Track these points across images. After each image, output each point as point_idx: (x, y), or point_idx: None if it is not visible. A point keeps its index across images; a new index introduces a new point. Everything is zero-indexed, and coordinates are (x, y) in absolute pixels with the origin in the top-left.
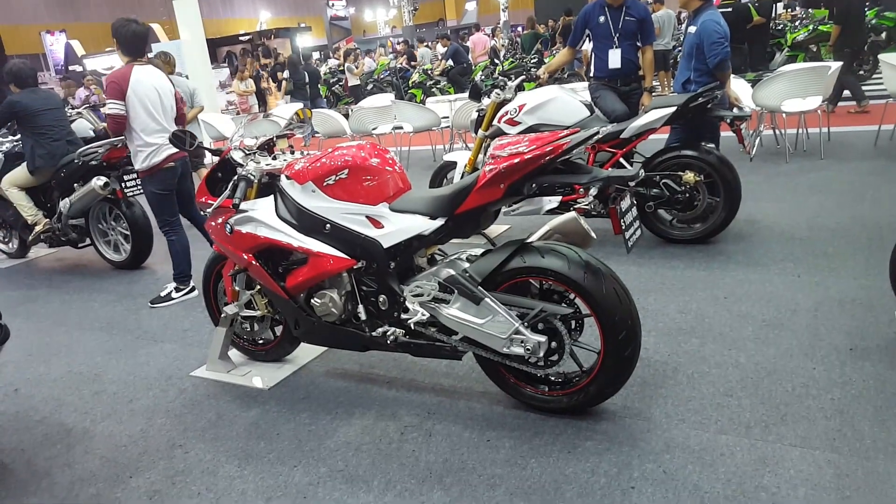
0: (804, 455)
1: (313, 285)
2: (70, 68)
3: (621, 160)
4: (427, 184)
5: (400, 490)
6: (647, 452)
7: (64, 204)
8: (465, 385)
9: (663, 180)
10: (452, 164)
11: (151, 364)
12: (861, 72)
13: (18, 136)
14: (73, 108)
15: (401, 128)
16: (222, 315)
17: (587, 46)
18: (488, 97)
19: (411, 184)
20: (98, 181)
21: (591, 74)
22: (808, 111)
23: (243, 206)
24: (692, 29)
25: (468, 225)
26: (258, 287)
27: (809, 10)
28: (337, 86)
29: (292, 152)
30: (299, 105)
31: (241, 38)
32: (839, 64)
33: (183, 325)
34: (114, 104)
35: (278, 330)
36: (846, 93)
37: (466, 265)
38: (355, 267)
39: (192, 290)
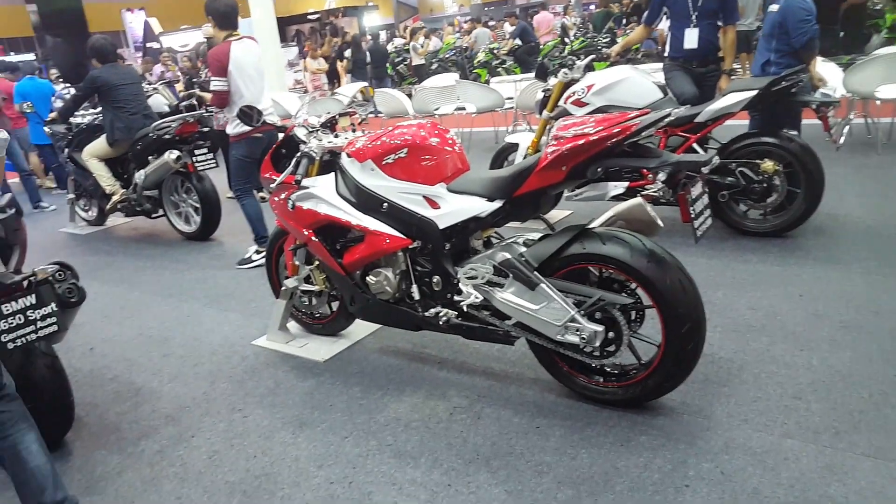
0: (877, 467)
1: (369, 263)
2: (148, 45)
3: (694, 145)
4: (488, 166)
5: (446, 469)
6: (704, 451)
7: (139, 175)
8: (516, 371)
9: (739, 168)
10: (514, 146)
11: (216, 331)
12: None
13: (99, 109)
14: (149, 84)
15: (463, 108)
16: (282, 288)
17: (663, 25)
18: (555, 77)
19: (471, 165)
20: (171, 154)
21: (666, 54)
22: None
23: (305, 182)
24: (774, 7)
25: (527, 208)
26: (317, 262)
27: None
28: (402, 65)
29: (353, 130)
30: (363, 84)
31: (309, 17)
32: None
33: (247, 296)
34: (217, 81)
35: (335, 305)
36: None
37: (523, 249)
38: (411, 247)
39: None
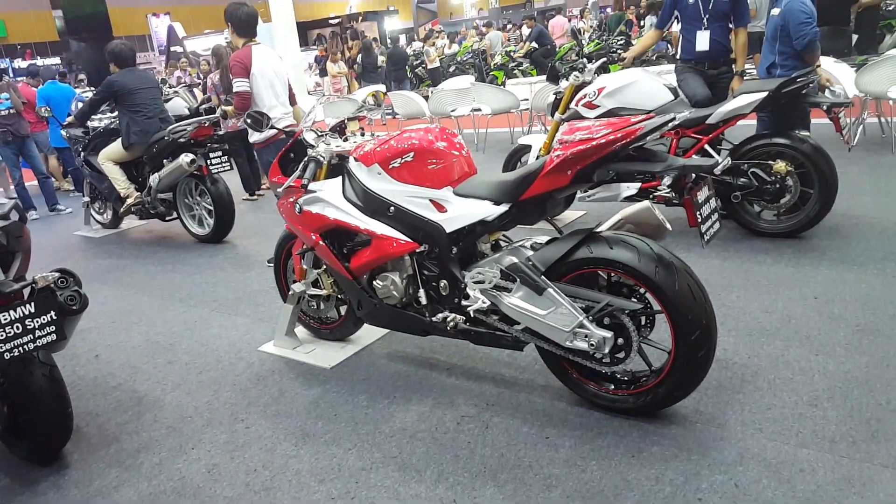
0: None
1: (376, 267)
2: (172, 49)
3: (706, 147)
4: (501, 166)
5: (452, 483)
6: (718, 462)
7: (154, 178)
8: (526, 377)
9: (752, 169)
10: (527, 148)
11: (223, 337)
12: None
13: (116, 113)
14: (170, 88)
15: (479, 109)
16: (290, 292)
17: (676, 27)
18: (566, 80)
19: (479, 168)
20: (185, 157)
21: (678, 56)
22: None
23: (312, 186)
24: (775, 11)
25: (534, 212)
26: (324, 266)
27: None
28: (419, 68)
29: (363, 134)
30: (376, 87)
31: (330, 21)
32: None
33: (256, 300)
34: (240, 82)
35: (343, 309)
36: None
37: (530, 253)
38: (417, 251)
39: None
